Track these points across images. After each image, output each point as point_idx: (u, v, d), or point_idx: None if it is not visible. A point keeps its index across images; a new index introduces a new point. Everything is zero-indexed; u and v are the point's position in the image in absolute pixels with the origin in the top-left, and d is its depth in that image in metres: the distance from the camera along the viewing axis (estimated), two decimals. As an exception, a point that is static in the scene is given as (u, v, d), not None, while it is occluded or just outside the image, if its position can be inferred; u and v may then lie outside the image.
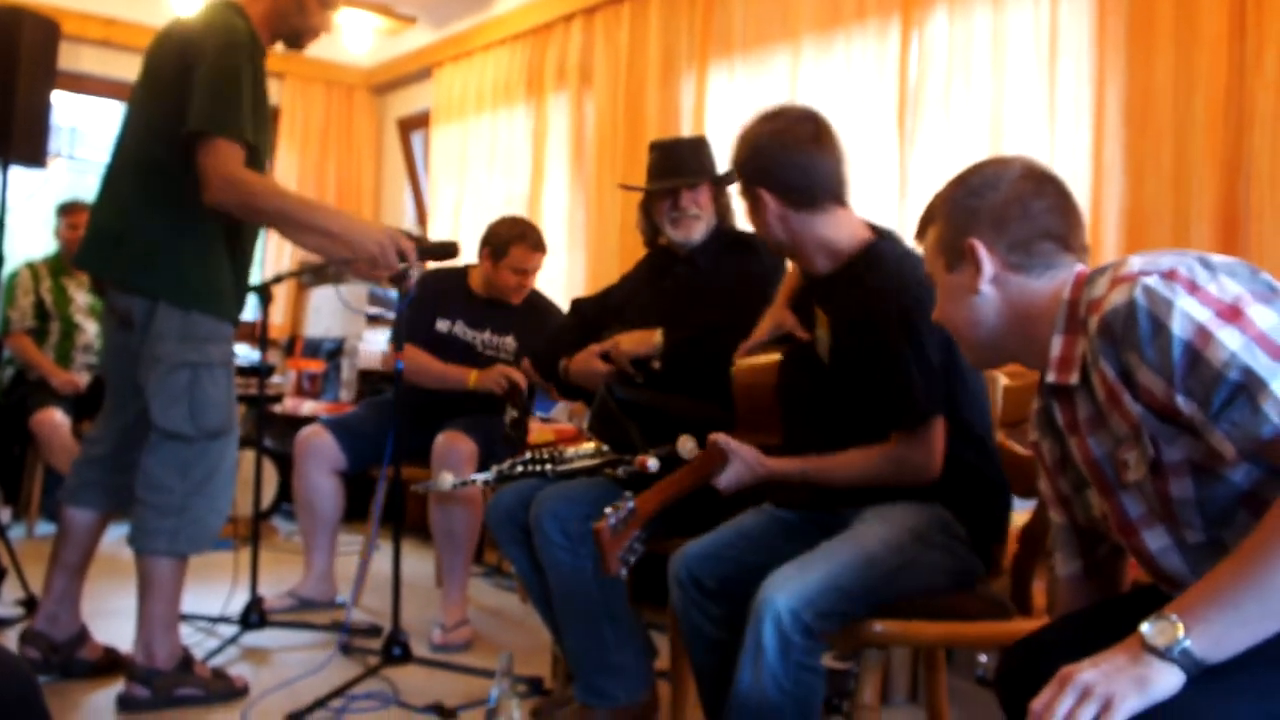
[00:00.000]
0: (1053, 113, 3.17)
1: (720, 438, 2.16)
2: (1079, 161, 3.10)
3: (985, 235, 1.53)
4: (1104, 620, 1.57)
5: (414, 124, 6.52)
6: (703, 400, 2.63)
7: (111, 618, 3.50)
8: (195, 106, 2.60)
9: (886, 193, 3.61)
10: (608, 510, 2.04)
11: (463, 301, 3.91)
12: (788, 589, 1.87)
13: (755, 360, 2.32)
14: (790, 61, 3.94)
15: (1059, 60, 3.16)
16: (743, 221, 2.99)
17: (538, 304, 3.97)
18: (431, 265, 3.60)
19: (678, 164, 2.85)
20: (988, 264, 1.53)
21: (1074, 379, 1.44)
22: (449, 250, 3.17)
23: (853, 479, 2.11)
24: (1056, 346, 1.47)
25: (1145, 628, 1.20)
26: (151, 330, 2.71)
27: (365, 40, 6.22)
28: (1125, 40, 3.00)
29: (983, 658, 2.77)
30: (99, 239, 2.79)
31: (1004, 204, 1.54)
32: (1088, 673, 1.21)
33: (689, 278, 2.87)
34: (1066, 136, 3.14)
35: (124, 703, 2.74)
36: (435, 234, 5.97)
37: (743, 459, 2.15)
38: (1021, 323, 1.53)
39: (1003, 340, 1.57)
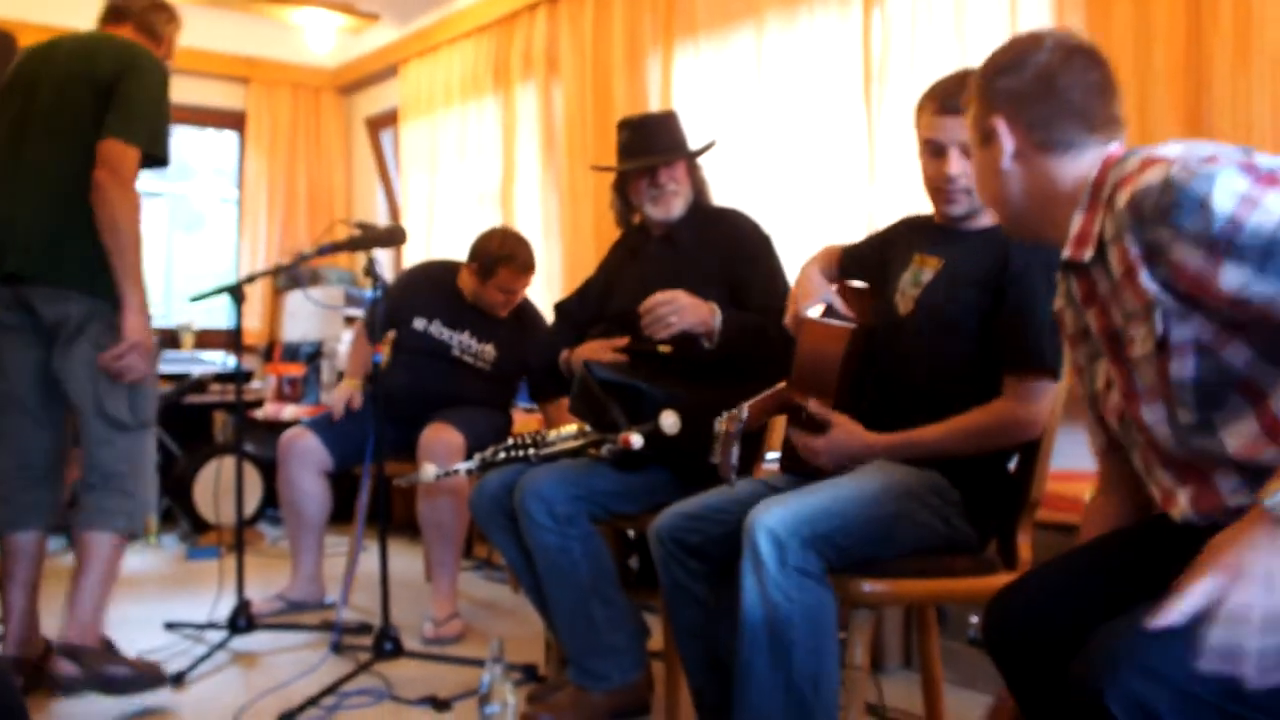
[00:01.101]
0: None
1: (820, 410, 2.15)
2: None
3: (1007, 114, 1.56)
4: (1085, 565, 1.60)
5: (382, 122, 6.49)
6: (687, 378, 2.63)
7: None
8: (120, 116, 2.81)
9: (855, 166, 3.61)
10: (728, 414, 2.04)
11: (445, 300, 3.89)
12: (777, 512, 1.89)
13: (829, 323, 2.25)
14: (754, 39, 3.93)
15: (1019, 20, 3.17)
16: (716, 195, 3.02)
17: (525, 315, 3.94)
18: (379, 251, 3.56)
19: (651, 141, 2.84)
20: (1009, 142, 1.56)
21: (1088, 255, 1.46)
22: (395, 236, 3.19)
23: (958, 444, 2.08)
24: (1076, 223, 1.49)
25: (1270, 500, 1.17)
26: (89, 330, 2.83)
27: (328, 39, 6.19)
28: (1084, 5, 3.00)
29: (974, 619, 2.77)
30: (33, 245, 2.82)
31: (1028, 83, 1.55)
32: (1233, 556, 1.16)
33: (671, 255, 2.86)
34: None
35: (55, 681, 2.72)
36: (410, 231, 5.94)
37: (846, 430, 2.14)
38: (1043, 201, 1.56)
39: (1028, 216, 1.60)
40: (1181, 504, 1.46)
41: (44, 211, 2.83)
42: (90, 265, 2.80)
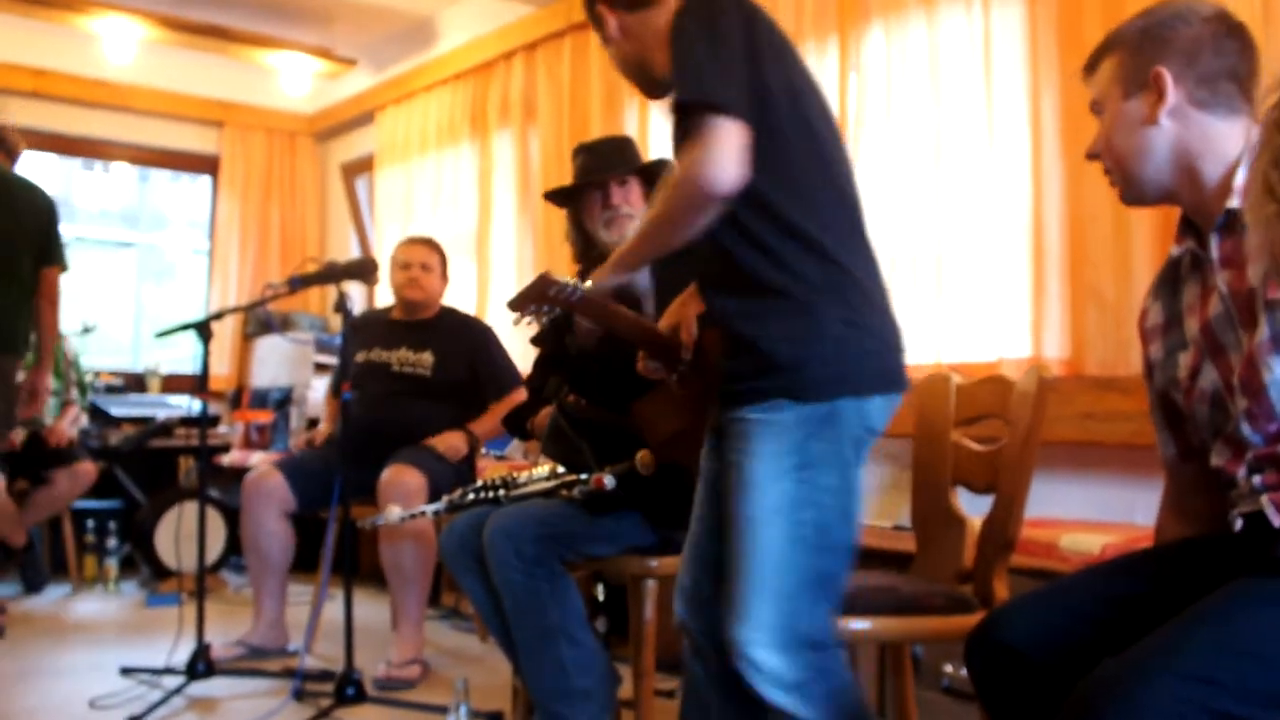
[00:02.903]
0: (991, 121, 3.19)
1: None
2: (1018, 171, 3.13)
3: (1174, 65, 1.52)
4: (1080, 591, 1.57)
5: (357, 169, 6.48)
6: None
7: (52, 676, 3.39)
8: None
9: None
10: (561, 279, 1.89)
11: (381, 330, 4.01)
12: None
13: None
14: (731, 86, 3.94)
15: (994, 70, 3.19)
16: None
17: (452, 318, 4.06)
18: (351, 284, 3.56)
19: (605, 161, 2.80)
20: (1172, 94, 1.51)
21: None
22: (365, 268, 3.16)
23: (658, 222, 1.81)
24: (1242, 175, 1.45)
25: None
26: None
27: (304, 83, 6.20)
28: (1057, 48, 3.04)
29: (948, 667, 2.73)
30: None
31: (1196, 38, 1.52)
32: None
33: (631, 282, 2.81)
34: (1005, 144, 3.16)
35: None
36: (383, 279, 5.90)
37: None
38: (1191, 159, 1.52)
39: (1165, 175, 1.55)
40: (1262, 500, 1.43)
41: None
42: None
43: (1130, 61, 1.56)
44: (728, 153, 1.65)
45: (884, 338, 1.86)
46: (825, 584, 1.80)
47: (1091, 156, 1.65)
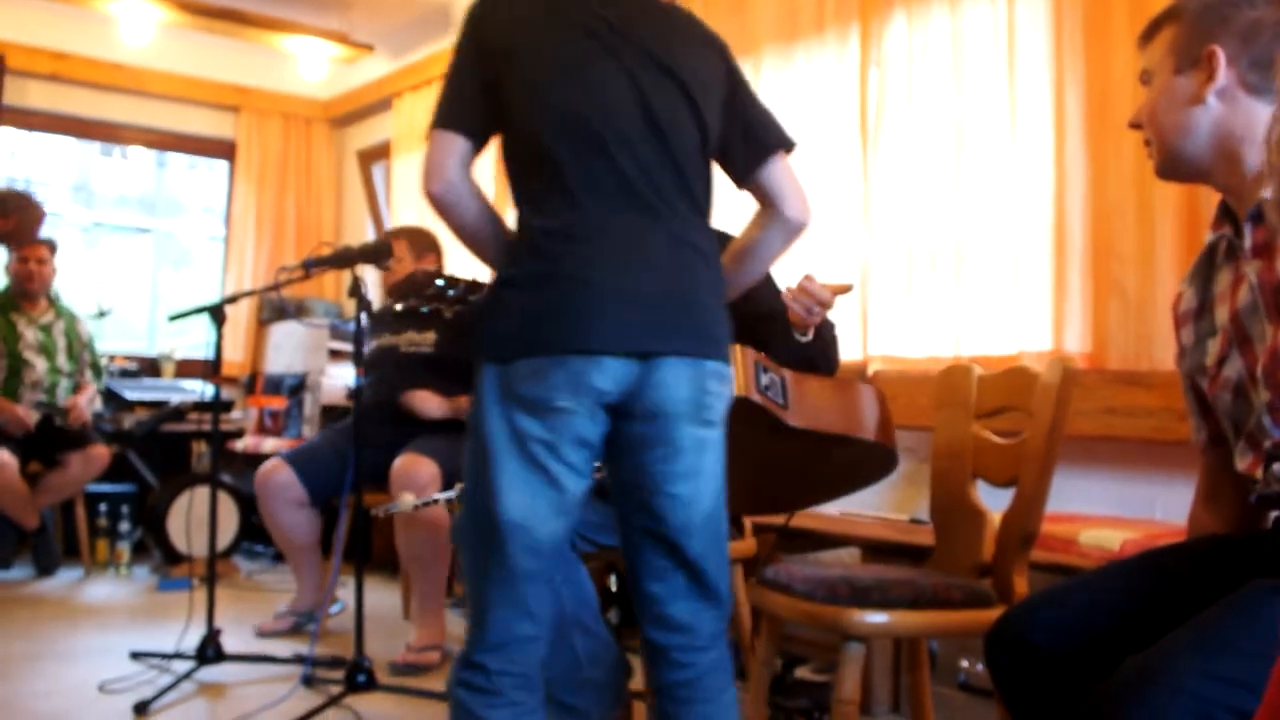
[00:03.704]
0: (1013, 112, 3.15)
1: None
2: (1041, 159, 3.09)
3: (1230, 45, 1.50)
4: (1102, 586, 1.55)
5: (374, 155, 6.45)
6: None
7: (62, 660, 3.39)
8: None
9: (850, 200, 3.58)
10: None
11: (388, 318, 4.05)
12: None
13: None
14: (751, 74, 3.89)
15: (1017, 61, 3.15)
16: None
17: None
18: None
19: None
20: (1223, 74, 1.49)
21: None
22: (380, 251, 3.14)
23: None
24: None
25: None
26: None
27: (320, 68, 6.17)
28: (1082, 38, 3.00)
29: (965, 662, 2.70)
30: None
31: (1257, 21, 1.50)
32: None
33: None
34: (1028, 136, 3.12)
35: None
36: (397, 265, 5.90)
37: None
38: (1234, 143, 1.51)
39: (1204, 156, 1.54)
40: None
41: None
42: None
43: (1186, 35, 1.53)
44: (430, 158, 1.79)
45: (536, 299, 1.73)
46: (478, 564, 1.76)
47: (1134, 125, 1.64)
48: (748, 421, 1.93)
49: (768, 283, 2.67)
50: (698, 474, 1.75)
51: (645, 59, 1.79)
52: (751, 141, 1.92)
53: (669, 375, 1.71)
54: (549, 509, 1.72)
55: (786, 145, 1.96)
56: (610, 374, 1.69)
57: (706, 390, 1.74)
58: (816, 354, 2.52)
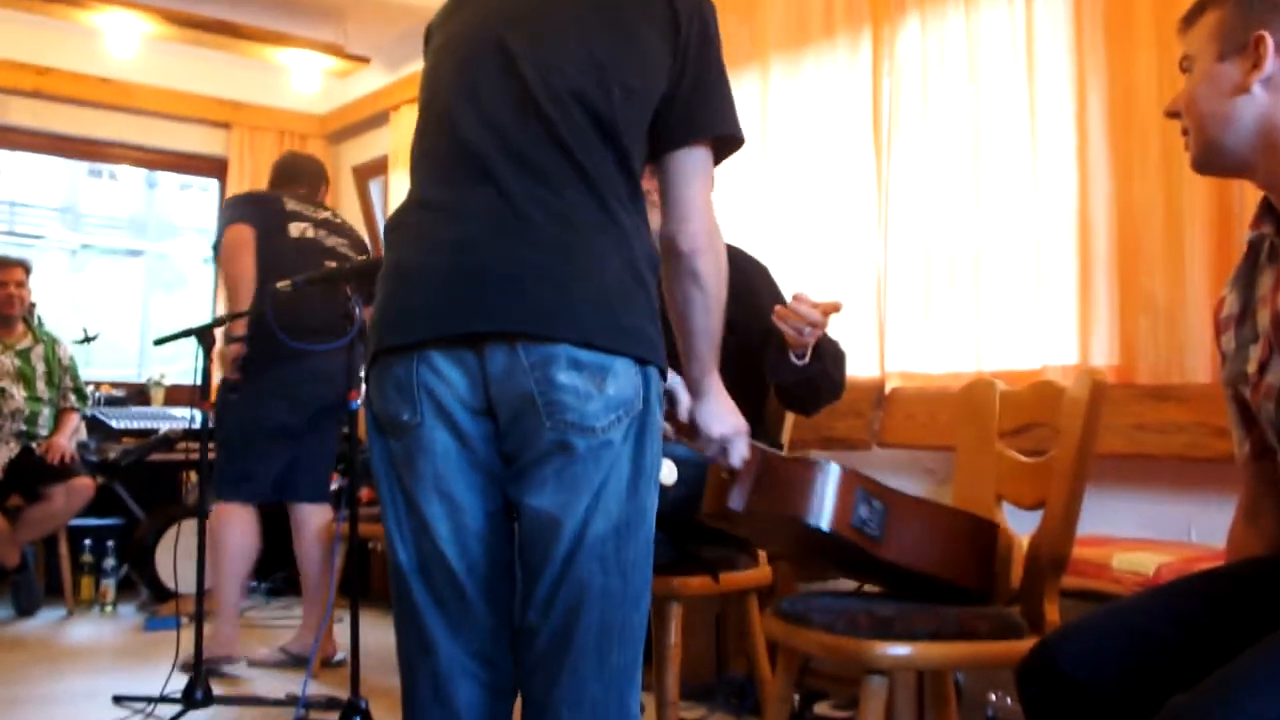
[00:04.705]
0: (1033, 116, 3.02)
1: None
2: (1064, 164, 2.95)
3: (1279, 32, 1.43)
4: (1145, 614, 1.46)
5: (371, 171, 6.33)
6: None
7: (43, 705, 3.27)
8: None
9: (865, 207, 3.44)
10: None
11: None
12: None
13: None
14: (760, 81, 3.79)
15: (1036, 63, 3.02)
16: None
17: None
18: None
19: None
20: (1272, 61, 1.43)
21: None
22: (374, 269, 2.96)
23: None
24: None
25: None
26: None
27: (314, 81, 6.05)
28: (1103, 38, 2.87)
29: (994, 696, 2.55)
30: None
31: None
32: None
33: None
34: (1049, 140, 2.99)
35: None
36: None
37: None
38: (1277, 135, 1.44)
39: (1245, 147, 1.47)
40: None
41: None
42: None
43: (1234, 20, 1.45)
44: None
45: (391, 293, 1.57)
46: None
47: (1170, 115, 1.56)
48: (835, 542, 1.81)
49: (768, 299, 2.55)
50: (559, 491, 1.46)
51: (523, 25, 1.58)
52: (678, 120, 1.60)
53: (497, 364, 1.45)
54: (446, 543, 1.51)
55: (717, 134, 1.61)
56: (437, 370, 1.47)
57: (553, 383, 1.43)
58: (817, 374, 2.42)
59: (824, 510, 1.77)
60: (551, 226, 1.47)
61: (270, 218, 3.85)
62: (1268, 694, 1.11)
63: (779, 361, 2.41)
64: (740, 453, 1.78)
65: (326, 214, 4.07)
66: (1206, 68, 1.48)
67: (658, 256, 1.58)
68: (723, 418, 1.75)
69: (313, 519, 3.80)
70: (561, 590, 1.44)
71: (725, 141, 1.63)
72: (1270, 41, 1.42)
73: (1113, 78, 2.84)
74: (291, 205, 3.95)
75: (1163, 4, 2.71)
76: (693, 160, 1.59)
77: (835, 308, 2.34)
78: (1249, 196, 2.56)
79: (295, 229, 3.88)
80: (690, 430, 1.77)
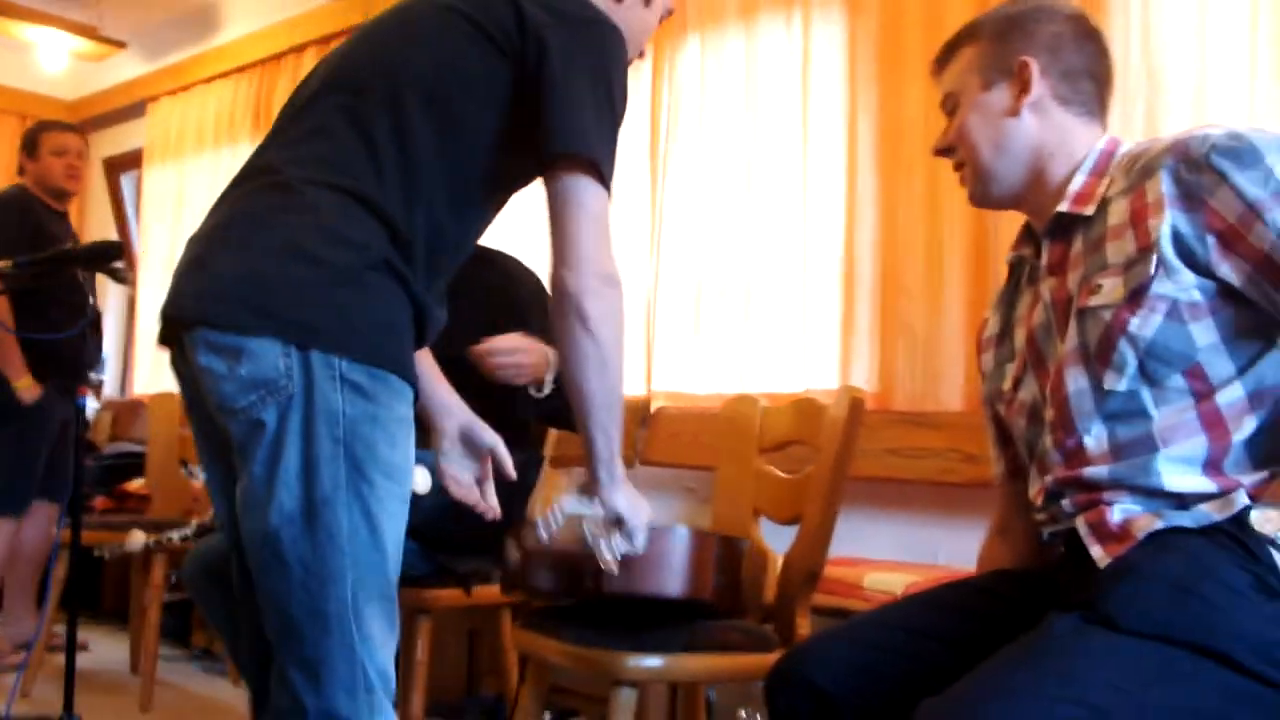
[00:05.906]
0: (806, 143, 3.07)
1: None
2: (833, 192, 3.00)
3: (1040, 57, 1.47)
4: (871, 630, 1.47)
5: (123, 164, 5.96)
6: None
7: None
8: None
9: (637, 227, 3.43)
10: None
11: None
12: None
13: None
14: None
15: (811, 91, 3.07)
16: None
17: None
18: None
19: None
20: (1037, 85, 1.46)
21: (1090, 210, 1.42)
22: (104, 252, 2.72)
23: None
24: (1079, 183, 1.45)
25: None
26: None
27: (61, 60, 5.64)
28: (876, 70, 2.95)
29: (743, 713, 2.55)
30: None
31: (1059, 34, 1.49)
32: None
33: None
34: (820, 167, 3.04)
35: None
36: (145, 283, 5.44)
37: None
38: (1043, 159, 1.48)
39: (1019, 174, 1.50)
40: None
41: None
42: None
43: (993, 50, 1.50)
44: None
45: None
46: None
47: (940, 152, 1.57)
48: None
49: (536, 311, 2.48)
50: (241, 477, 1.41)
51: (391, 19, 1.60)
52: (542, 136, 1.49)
53: (191, 354, 1.40)
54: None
55: (571, 151, 1.50)
56: (184, 362, 1.44)
57: (199, 366, 1.37)
58: (556, 411, 2.35)
59: None
60: (236, 213, 1.45)
61: None
62: (1010, 699, 1.12)
63: (520, 394, 2.36)
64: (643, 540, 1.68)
65: None
66: (974, 99, 1.50)
67: (362, 236, 1.41)
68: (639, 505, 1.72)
69: None
70: (254, 579, 1.40)
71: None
72: (1034, 66, 1.46)
73: (883, 109, 2.91)
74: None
75: (932, 41, 2.80)
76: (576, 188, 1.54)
77: (516, 347, 2.30)
78: (1005, 231, 2.67)
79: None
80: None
